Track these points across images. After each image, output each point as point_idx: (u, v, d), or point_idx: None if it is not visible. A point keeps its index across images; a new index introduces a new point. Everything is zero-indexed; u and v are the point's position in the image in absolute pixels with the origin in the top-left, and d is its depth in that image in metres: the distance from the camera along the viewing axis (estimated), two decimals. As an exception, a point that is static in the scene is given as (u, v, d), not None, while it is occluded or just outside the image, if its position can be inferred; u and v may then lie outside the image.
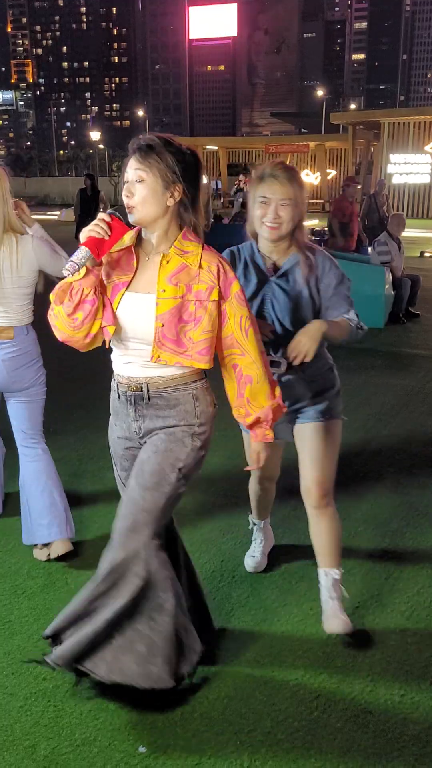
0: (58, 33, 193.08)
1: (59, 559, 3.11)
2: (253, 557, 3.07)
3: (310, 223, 17.61)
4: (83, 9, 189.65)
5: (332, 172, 35.08)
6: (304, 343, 2.35)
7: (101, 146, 78.46)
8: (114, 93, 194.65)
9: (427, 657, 2.52)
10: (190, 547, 2.41)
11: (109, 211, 2.05)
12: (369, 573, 3.03)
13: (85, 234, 2.01)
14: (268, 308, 2.48)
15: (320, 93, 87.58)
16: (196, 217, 2.11)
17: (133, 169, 2.01)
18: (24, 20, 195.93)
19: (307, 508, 2.61)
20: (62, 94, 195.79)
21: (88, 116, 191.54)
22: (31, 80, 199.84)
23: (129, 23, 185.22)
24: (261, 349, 2.18)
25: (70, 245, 2.03)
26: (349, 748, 2.12)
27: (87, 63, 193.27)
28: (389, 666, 2.47)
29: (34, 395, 3.11)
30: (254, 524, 3.09)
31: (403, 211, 23.62)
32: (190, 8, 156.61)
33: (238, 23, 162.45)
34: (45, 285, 3.00)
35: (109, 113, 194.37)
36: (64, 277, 2.07)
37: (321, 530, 2.60)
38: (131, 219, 2.03)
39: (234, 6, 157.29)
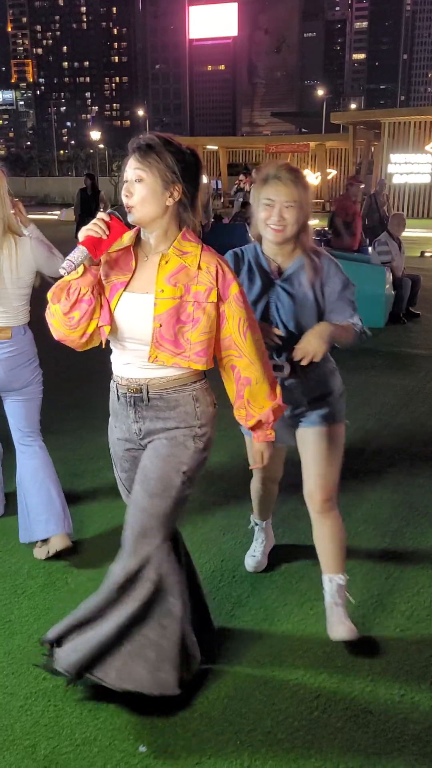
0: (58, 33, 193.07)
1: (59, 558, 3.11)
2: (254, 557, 3.06)
3: (311, 223, 17.52)
4: (83, 9, 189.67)
5: (332, 172, 35.08)
6: (313, 344, 2.32)
7: (101, 146, 78.44)
8: (114, 93, 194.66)
9: (427, 657, 2.52)
10: (190, 546, 2.41)
11: (108, 210, 2.05)
12: (369, 573, 3.03)
13: (83, 233, 2.00)
14: (272, 312, 2.46)
15: (321, 93, 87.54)
16: (195, 217, 2.10)
17: (133, 169, 2.00)
18: (24, 20, 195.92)
19: (310, 513, 2.59)
20: (62, 93, 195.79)
21: (89, 116, 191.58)
22: (32, 80, 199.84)
23: (129, 23, 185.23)
24: (260, 348, 2.17)
25: (70, 245, 2.03)
26: (349, 748, 2.12)
27: (87, 63, 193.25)
28: (389, 666, 2.47)
29: (31, 394, 3.14)
30: (256, 524, 3.09)
31: (403, 210, 23.62)
32: (191, 8, 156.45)
33: (239, 23, 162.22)
34: (41, 284, 3.02)
35: (109, 113, 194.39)
36: (60, 277, 2.07)
37: (325, 535, 2.57)
38: (130, 219, 2.03)
39: (234, 5, 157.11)
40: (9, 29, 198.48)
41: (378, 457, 4.31)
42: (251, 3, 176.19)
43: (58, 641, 2.26)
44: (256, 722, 2.22)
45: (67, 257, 1.99)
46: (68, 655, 2.19)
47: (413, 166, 26.60)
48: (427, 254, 15.05)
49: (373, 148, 32.59)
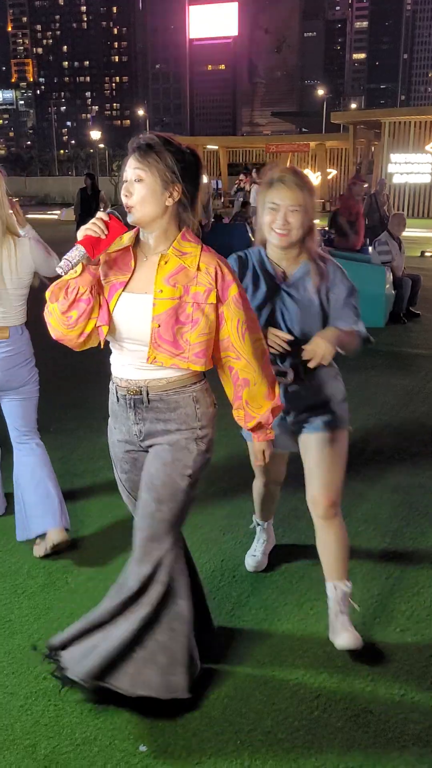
0: (58, 32, 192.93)
1: (57, 554, 3.11)
2: (254, 556, 3.06)
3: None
4: (84, 8, 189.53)
5: (333, 172, 35.06)
6: (322, 347, 2.30)
7: (101, 145, 78.46)
8: (114, 92, 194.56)
9: (427, 657, 2.52)
10: (190, 546, 2.41)
11: (108, 210, 2.04)
12: (369, 573, 3.03)
13: (82, 232, 1.99)
14: (278, 317, 2.44)
15: (321, 92, 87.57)
16: (195, 217, 2.10)
17: (132, 169, 2.00)
18: (24, 19, 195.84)
19: (314, 519, 2.55)
20: (62, 93, 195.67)
21: (89, 115, 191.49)
22: (32, 79, 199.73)
23: (129, 22, 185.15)
24: (259, 349, 2.16)
25: (70, 244, 2.02)
26: (349, 748, 2.12)
27: (87, 62, 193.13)
28: (389, 666, 2.47)
29: (27, 393, 3.16)
30: (258, 524, 3.09)
31: (403, 210, 23.61)
32: (191, 7, 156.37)
33: (239, 22, 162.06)
34: (40, 284, 3.03)
35: (109, 112, 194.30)
36: (57, 276, 2.06)
37: (329, 541, 2.53)
38: (130, 219, 2.02)
39: (234, 5, 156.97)
40: (9, 29, 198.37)
41: (378, 457, 4.31)
42: (251, 2, 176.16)
43: (63, 646, 2.25)
44: (256, 722, 2.22)
45: (65, 256, 1.98)
46: (79, 662, 2.17)
47: (413, 165, 26.59)
48: (427, 254, 15.05)
49: (373, 148, 32.58)
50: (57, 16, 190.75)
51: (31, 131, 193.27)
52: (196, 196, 2.08)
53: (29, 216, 3.14)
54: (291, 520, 3.44)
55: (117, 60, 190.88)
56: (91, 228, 1.98)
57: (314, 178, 33.13)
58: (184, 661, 2.16)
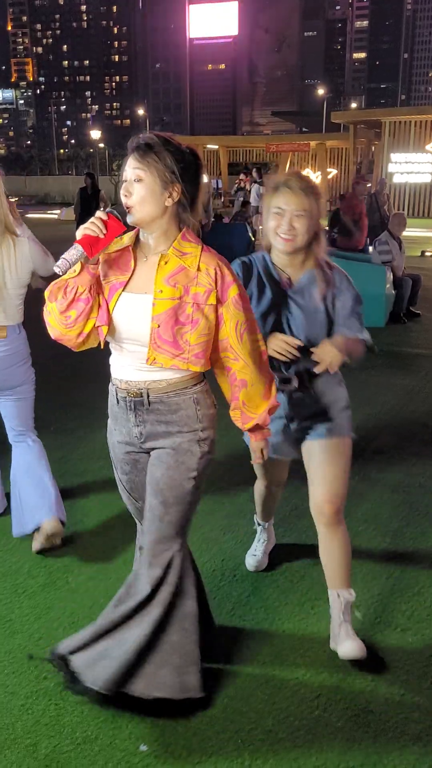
0: (58, 31, 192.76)
1: (59, 556, 3.11)
2: (255, 556, 3.07)
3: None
4: (83, 7, 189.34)
5: (333, 171, 35.04)
6: (331, 353, 2.29)
7: (101, 145, 78.43)
8: (114, 92, 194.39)
9: (427, 657, 2.52)
10: (190, 546, 2.41)
11: (107, 210, 2.04)
12: (369, 573, 3.03)
13: (80, 231, 1.98)
14: (283, 324, 2.43)
15: (321, 92, 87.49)
16: (195, 217, 2.09)
17: (132, 168, 1.99)
18: (24, 18, 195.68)
19: (317, 526, 2.53)
20: (62, 92, 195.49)
21: (89, 115, 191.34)
22: (32, 79, 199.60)
23: (129, 22, 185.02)
24: (257, 349, 2.16)
25: (70, 244, 2.02)
26: (349, 747, 2.13)
27: (87, 61, 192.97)
28: (389, 666, 2.47)
29: (23, 393, 3.19)
30: (259, 524, 3.09)
31: (404, 210, 23.60)
32: (191, 7, 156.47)
33: (239, 22, 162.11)
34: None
35: (109, 112, 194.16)
36: (54, 276, 2.05)
37: (333, 549, 2.50)
38: (129, 219, 2.01)
39: (235, 4, 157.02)
40: (9, 28, 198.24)
41: (378, 457, 4.31)
42: (252, 2, 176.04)
43: (71, 652, 2.24)
44: (256, 721, 2.22)
45: (63, 256, 1.97)
46: (91, 667, 2.16)
47: (414, 165, 26.56)
48: (427, 254, 15.04)
49: (373, 148, 32.55)
50: (57, 16, 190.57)
51: (31, 130, 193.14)
52: (196, 196, 2.07)
53: (29, 215, 3.16)
54: (292, 519, 3.44)
55: (117, 59, 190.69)
56: (90, 227, 1.97)
57: (315, 177, 33.16)
58: (196, 660, 2.17)
